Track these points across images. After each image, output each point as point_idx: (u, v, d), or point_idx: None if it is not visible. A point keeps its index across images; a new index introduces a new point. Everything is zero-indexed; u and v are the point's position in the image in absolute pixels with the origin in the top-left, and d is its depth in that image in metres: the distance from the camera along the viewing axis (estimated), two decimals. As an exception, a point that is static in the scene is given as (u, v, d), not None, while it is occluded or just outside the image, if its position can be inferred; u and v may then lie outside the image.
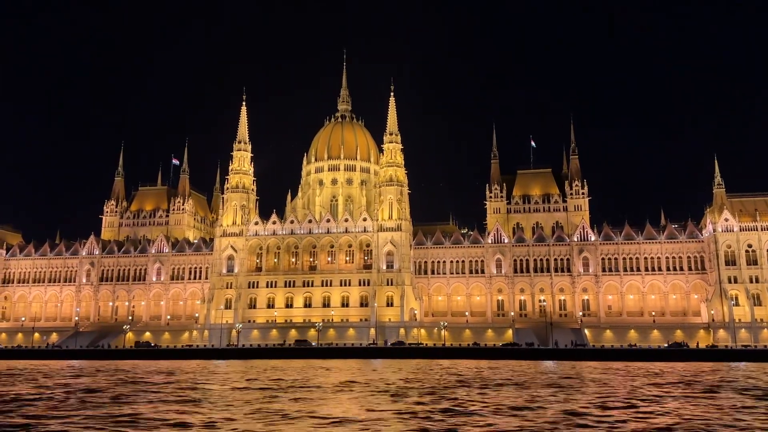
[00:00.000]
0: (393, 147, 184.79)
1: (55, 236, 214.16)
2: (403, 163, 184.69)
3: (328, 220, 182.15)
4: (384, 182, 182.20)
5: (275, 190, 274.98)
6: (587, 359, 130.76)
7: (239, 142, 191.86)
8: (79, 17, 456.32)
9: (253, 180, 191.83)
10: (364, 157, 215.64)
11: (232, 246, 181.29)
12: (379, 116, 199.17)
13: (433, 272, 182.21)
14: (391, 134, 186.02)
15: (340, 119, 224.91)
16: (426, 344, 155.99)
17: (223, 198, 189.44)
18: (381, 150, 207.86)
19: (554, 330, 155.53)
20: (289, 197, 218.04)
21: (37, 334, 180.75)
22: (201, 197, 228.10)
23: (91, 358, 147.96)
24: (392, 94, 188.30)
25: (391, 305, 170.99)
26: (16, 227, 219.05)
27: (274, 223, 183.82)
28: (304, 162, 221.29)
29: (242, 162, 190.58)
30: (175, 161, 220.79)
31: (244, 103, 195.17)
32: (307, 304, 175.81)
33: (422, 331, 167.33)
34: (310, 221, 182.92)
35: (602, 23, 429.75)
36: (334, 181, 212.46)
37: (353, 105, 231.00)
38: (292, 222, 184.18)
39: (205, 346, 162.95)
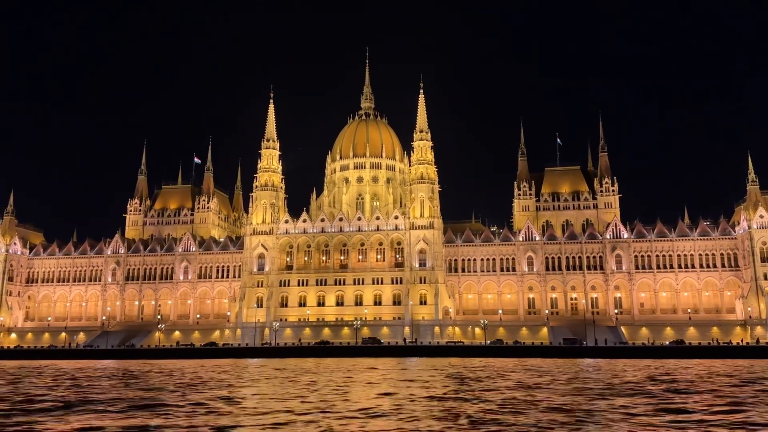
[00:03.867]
0: (423, 145, 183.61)
1: (74, 235, 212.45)
2: (433, 160, 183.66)
3: (359, 218, 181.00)
4: (415, 180, 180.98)
5: (298, 188, 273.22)
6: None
7: (267, 140, 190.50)
8: (101, 17, 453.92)
9: (282, 178, 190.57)
10: (389, 155, 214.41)
11: (262, 244, 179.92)
12: (402, 114, 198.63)
13: (463, 270, 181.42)
14: (421, 132, 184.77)
15: (364, 117, 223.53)
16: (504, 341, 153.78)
17: (252, 196, 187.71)
18: (405, 148, 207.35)
19: (589, 328, 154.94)
20: (313, 195, 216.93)
21: (63, 334, 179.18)
22: (223, 195, 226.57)
23: (127, 358, 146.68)
24: (421, 91, 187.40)
25: (425, 303, 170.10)
26: (37, 226, 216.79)
27: (304, 221, 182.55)
28: (328, 160, 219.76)
29: (271, 160, 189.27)
30: (197, 160, 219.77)
31: (271, 101, 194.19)
32: (340, 303, 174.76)
33: (456, 329, 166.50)
34: (340, 219, 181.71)
35: (629, 21, 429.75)
36: (360, 179, 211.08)
37: (376, 103, 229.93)
38: (322, 220, 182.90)
39: (238, 344, 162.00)
